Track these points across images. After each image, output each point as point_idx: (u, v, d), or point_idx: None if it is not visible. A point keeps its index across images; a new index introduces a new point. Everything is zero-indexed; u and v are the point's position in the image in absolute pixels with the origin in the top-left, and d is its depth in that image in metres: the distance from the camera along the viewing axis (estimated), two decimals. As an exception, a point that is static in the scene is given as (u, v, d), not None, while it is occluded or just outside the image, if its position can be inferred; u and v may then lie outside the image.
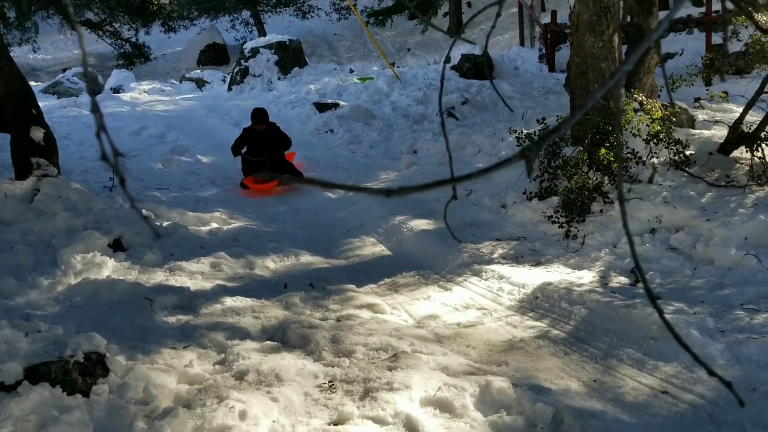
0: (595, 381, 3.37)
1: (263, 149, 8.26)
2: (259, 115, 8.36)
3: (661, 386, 3.28)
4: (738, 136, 5.88)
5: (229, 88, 14.29)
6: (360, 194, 7.79)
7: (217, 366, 3.49)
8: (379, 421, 2.81)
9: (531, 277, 4.87)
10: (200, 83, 15.48)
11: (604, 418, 2.79)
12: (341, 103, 11.50)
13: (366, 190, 0.86)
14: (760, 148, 5.73)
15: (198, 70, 16.95)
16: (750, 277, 4.49)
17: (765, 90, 5.98)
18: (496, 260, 5.40)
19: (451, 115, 10.53)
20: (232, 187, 8.09)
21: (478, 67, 13.11)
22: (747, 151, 5.78)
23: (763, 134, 5.80)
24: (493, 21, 1.52)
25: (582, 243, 5.51)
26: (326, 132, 10.41)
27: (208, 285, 4.80)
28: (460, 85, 11.89)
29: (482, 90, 11.65)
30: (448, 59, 13.44)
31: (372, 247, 6.01)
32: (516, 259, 5.44)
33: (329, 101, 11.56)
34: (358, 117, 10.70)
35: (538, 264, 5.27)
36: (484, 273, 5.09)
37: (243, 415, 2.83)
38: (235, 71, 14.52)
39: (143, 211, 6.20)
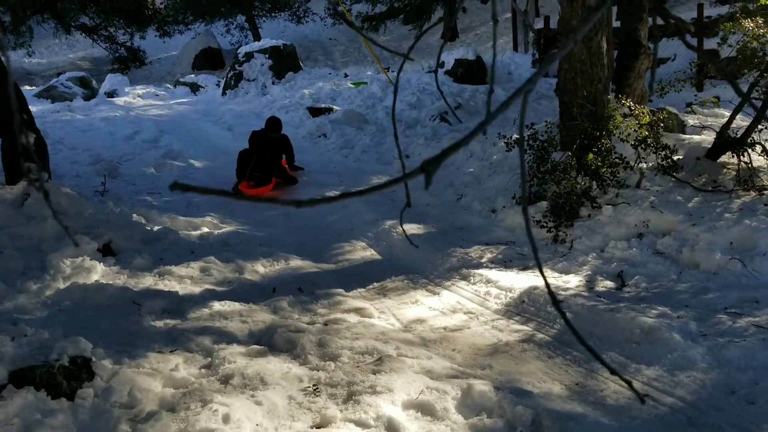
0: (577, 384, 3.40)
1: (263, 159, 8.27)
2: (274, 123, 8.70)
3: (642, 389, 3.31)
4: (724, 141, 5.93)
5: (224, 93, 14.33)
6: (350, 199, 7.85)
7: (203, 370, 3.51)
8: (361, 424, 2.83)
9: (518, 281, 4.90)
10: (194, 87, 15.51)
11: (583, 421, 2.82)
12: (335, 107, 11.53)
13: (278, 202, 0.90)
14: (746, 154, 5.78)
15: (193, 75, 16.97)
16: (734, 282, 4.53)
17: (752, 96, 6.04)
18: (484, 264, 5.44)
19: (444, 119, 10.58)
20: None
21: (472, 72, 13.18)
22: (733, 157, 5.83)
23: (749, 140, 5.86)
24: (492, 29, 1.55)
25: (570, 247, 5.54)
26: (319, 136, 10.45)
27: (197, 289, 4.82)
28: (454, 90, 11.94)
29: (475, 95, 11.71)
30: (440, 64, 13.49)
31: (362, 252, 6.04)
32: (504, 263, 5.48)
33: (323, 106, 11.60)
34: (351, 122, 10.74)
35: (525, 268, 5.30)
36: (472, 277, 5.12)
37: (226, 419, 2.86)
38: (229, 76, 14.56)
39: (134, 215, 6.23)
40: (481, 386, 3.09)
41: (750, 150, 5.80)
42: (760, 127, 5.90)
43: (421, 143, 9.43)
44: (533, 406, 2.89)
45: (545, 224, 5.86)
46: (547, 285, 0.93)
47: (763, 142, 5.89)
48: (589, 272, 5.06)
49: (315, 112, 11.40)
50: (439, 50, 1.92)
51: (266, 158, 8.20)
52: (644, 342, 3.68)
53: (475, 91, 11.98)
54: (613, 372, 0.91)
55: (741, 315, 3.97)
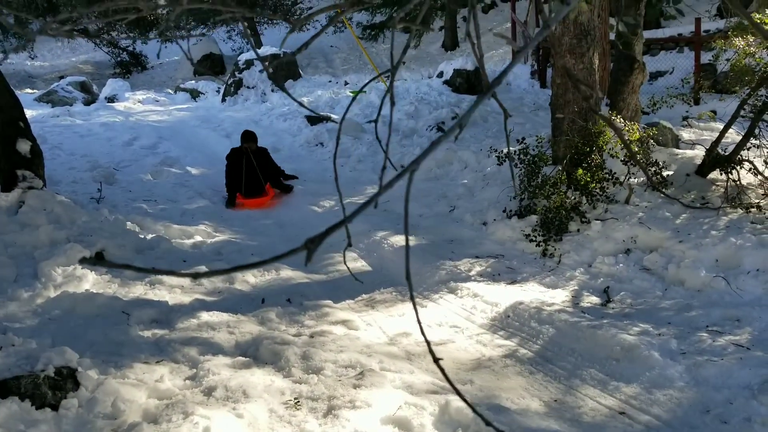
0: (556, 401, 3.45)
1: (252, 168, 8.33)
2: (250, 135, 8.66)
3: (620, 407, 3.36)
4: (714, 158, 5.98)
5: (223, 99, 14.41)
6: (346, 209, 7.91)
7: (187, 381, 3.56)
8: (339, 439, 2.88)
9: (504, 295, 4.95)
10: (194, 94, 15.59)
11: (555, 439, 2.87)
12: (333, 116, 11.60)
13: (171, 273, 0.95)
14: (735, 171, 5.84)
15: (193, 81, 17.06)
16: (718, 300, 4.57)
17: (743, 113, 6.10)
18: (473, 278, 5.49)
19: (441, 129, 10.64)
20: (222, 201, 8.17)
21: (470, 82, 13.25)
22: (722, 174, 5.89)
23: (738, 157, 5.91)
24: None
25: (558, 262, 5.59)
26: (316, 145, 10.52)
27: (186, 299, 4.87)
28: (452, 100, 12.01)
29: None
30: (439, 74, 13.54)
31: (353, 263, 6.08)
32: (493, 276, 5.53)
33: (321, 114, 11.66)
34: (348, 131, 10.80)
35: (513, 282, 5.35)
36: (459, 291, 5.16)
37: (207, 431, 2.90)
38: (229, 82, 14.64)
39: (128, 223, 6.28)
40: (459, 403, 3.13)
41: (738, 167, 5.86)
42: (749, 144, 5.95)
43: (416, 153, 9.47)
44: (509, 423, 2.94)
45: (534, 238, 5.91)
46: (423, 333, 0.98)
47: (752, 160, 5.94)
48: (576, 287, 5.10)
49: (313, 120, 11.47)
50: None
51: (255, 168, 8.28)
52: (624, 359, 3.73)
53: (472, 101, 12.03)
54: (457, 393, 0.95)
55: (722, 333, 4.02)
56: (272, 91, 14.10)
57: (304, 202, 7.90)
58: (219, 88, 15.68)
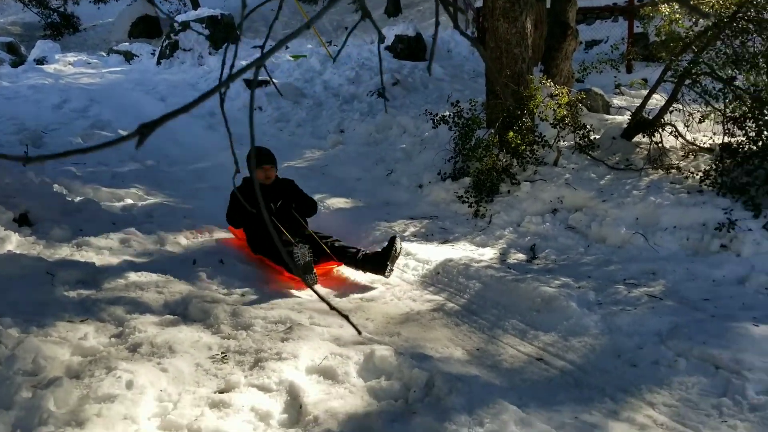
0: (478, 350, 3.58)
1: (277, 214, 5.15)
2: (267, 156, 5.21)
3: (537, 354, 3.51)
4: (638, 122, 6.19)
5: (158, 62, 14.00)
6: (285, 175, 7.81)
7: (113, 339, 3.52)
8: (264, 388, 2.92)
9: (436, 254, 5.06)
10: (128, 56, 15.09)
11: (473, 382, 2.98)
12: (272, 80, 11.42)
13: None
14: (657, 134, 6.07)
15: (127, 43, 16.48)
16: (636, 255, 4.80)
17: (667, 78, 6.31)
18: (407, 238, 5.58)
19: (382, 95, 10.63)
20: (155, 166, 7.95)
21: (412, 48, 13.23)
22: (645, 137, 6.11)
23: (661, 121, 6.14)
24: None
25: (489, 222, 5.73)
26: (255, 109, 10.35)
27: (114, 260, 4.78)
28: (393, 66, 11.98)
29: (414, 71, 11.78)
30: (381, 40, 13.49)
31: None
32: (426, 236, 5.63)
33: (259, 78, 11.47)
34: (287, 95, 10.68)
35: (445, 241, 5.47)
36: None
37: (129, 385, 2.90)
38: (164, 45, 14.22)
39: (55, 186, 6.10)
40: (383, 351, 3.22)
41: (661, 130, 6.09)
42: (672, 108, 6.18)
43: (356, 118, 9.48)
44: (430, 369, 3.03)
45: (467, 199, 6.03)
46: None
47: (674, 123, 6.18)
48: (504, 245, 5.26)
49: (251, 84, 11.26)
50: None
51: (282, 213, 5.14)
52: (544, 310, 3.88)
53: (414, 67, 12.04)
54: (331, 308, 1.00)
55: (637, 285, 4.23)
56: (209, 54, 13.77)
57: (242, 165, 7.77)
58: (154, 50, 15.21)
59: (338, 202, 6.50)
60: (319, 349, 3.29)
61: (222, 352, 3.33)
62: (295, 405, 2.82)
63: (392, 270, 4.68)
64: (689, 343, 3.35)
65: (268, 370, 3.07)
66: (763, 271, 4.27)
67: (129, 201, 6.34)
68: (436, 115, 6.80)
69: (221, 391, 2.97)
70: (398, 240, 4.71)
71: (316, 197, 6.01)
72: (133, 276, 4.37)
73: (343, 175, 7.52)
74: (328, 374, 3.06)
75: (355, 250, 4.88)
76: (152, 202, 6.39)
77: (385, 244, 4.75)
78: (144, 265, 4.67)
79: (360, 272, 4.89)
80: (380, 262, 4.64)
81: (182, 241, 5.34)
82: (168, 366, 3.11)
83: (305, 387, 2.93)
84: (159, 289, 4.21)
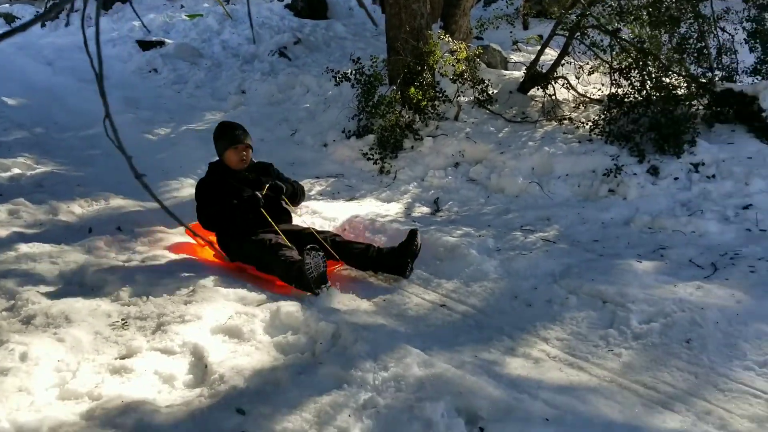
0: (384, 300, 3.66)
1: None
2: (239, 134, 4.45)
3: (440, 300, 3.64)
4: (532, 75, 6.40)
5: (43, 25, 13.07)
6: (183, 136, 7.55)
7: (4, 312, 3.35)
8: (167, 351, 2.88)
9: (342, 211, 5.09)
10: (9, 19, 14.00)
11: (378, 330, 3.07)
12: (167, 41, 10.95)
13: None
14: (551, 87, 6.30)
15: (7, 5, 15.27)
16: (532, 203, 5.02)
17: (558, 32, 6.53)
18: (313, 197, 5.57)
19: (283, 54, 10.42)
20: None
21: (313, 7, 12.99)
22: (539, 90, 6.33)
23: (554, 74, 6.37)
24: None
25: (394, 178, 5.81)
26: (150, 71, 9.93)
27: (3, 233, 4.50)
28: (294, 25, 11.75)
29: (316, 30, 11.59)
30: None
31: (190, 189, 5.91)
32: (333, 195, 5.65)
33: (154, 39, 10.97)
34: (184, 56, 10.28)
35: (352, 199, 5.51)
36: (299, 209, 5.22)
37: (23, 357, 2.78)
38: (49, 5, 13.26)
39: None
40: (289, 307, 3.23)
41: (554, 83, 6.33)
42: (564, 61, 6.42)
43: (257, 78, 9.27)
44: (336, 322, 3.08)
45: (371, 156, 6.08)
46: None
47: (566, 76, 6.44)
48: (409, 200, 5.36)
49: (145, 45, 10.77)
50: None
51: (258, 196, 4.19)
52: (446, 259, 4.01)
53: (315, 26, 11.85)
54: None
55: (533, 231, 4.44)
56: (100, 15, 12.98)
57: (137, 129, 7.48)
58: (38, 12, 14.18)
59: (242, 164, 6.37)
60: (224, 309, 3.26)
61: (122, 319, 3.25)
62: (200, 365, 2.80)
63: (412, 269, 3.91)
64: (579, 281, 3.57)
65: (171, 333, 3.02)
66: (646, 212, 4.58)
67: (17, 171, 5.96)
68: (338, 72, 6.75)
69: (123, 357, 2.90)
70: (419, 234, 3.93)
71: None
72: (24, 247, 4.15)
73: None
74: (233, 333, 3.05)
75: (363, 246, 4.02)
76: (42, 171, 6.04)
77: (403, 239, 3.92)
78: (35, 236, 4.43)
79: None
80: (399, 260, 3.86)
81: (76, 210, 5.10)
82: (65, 336, 3.00)
83: (210, 347, 2.90)
84: (53, 259, 4.02)
